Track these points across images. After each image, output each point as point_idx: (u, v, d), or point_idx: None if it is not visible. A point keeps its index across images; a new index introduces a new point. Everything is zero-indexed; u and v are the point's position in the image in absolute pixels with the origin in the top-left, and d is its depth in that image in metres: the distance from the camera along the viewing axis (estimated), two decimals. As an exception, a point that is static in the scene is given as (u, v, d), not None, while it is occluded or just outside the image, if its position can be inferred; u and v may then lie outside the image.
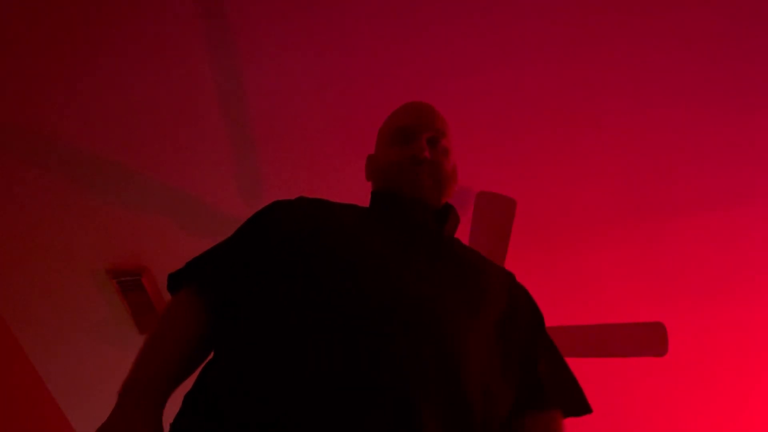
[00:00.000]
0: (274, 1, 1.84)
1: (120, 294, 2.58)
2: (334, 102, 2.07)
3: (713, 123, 2.04)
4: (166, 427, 0.84)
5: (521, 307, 1.05)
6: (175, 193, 2.31)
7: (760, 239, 2.32)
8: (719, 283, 2.45)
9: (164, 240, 2.46)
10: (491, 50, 1.93)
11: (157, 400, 0.86)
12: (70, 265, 2.53)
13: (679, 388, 2.77)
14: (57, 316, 2.70)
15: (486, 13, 1.85)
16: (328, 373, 0.76)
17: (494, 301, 0.99)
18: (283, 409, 0.74)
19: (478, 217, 1.95)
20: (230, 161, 2.22)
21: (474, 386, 0.84)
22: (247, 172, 2.25)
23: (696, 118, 2.04)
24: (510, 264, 1.92)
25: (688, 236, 2.33)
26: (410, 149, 1.14)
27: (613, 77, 1.97)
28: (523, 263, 2.09)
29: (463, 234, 1.78)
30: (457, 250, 1.07)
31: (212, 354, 0.93)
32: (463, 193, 2.17)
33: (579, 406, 1.01)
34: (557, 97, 2.02)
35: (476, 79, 2.00)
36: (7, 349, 2.73)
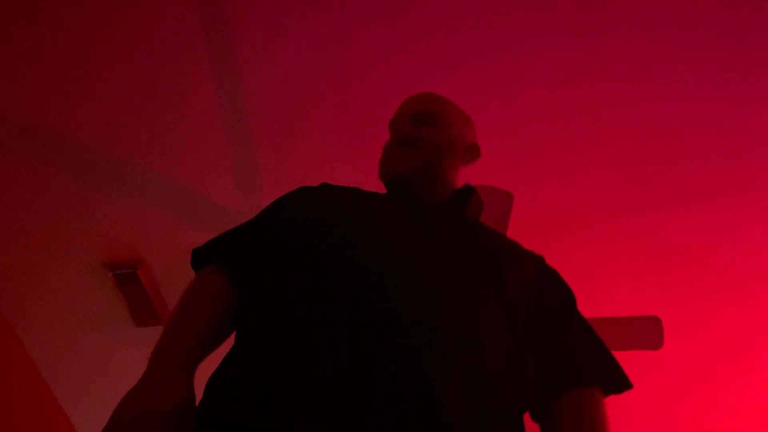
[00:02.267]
0: (271, -6, 1.84)
1: (116, 287, 2.57)
2: (332, 95, 2.07)
3: (710, 117, 2.04)
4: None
5: (551, 288, 1.03)
6: (172, 185, 2.30)
7: (757, 233, 2.32)
8: (716, 277, 2.45)
9: (161, 233, 2.45)
10: (488, 44, 1.93)
11: (187, 365, 0.87)
12: (67, 258, 2.53)
13: (674, 381, 2.78)
14: (53, 308, 2.69)
15: (483, 7, 1.84)
16: (333, 370, 0.75)
17: (518, 282, 0.96)
18: (291, 404, 0.74)
19: (475, 210, 1.94)
20: (227, 153, 2.21)
21: (495, 369, 0.83)
22: (243, 165, 2.25)
23: (693, 112, 2.04)
24: (506, 257, 1.92)
25: (685, 230, 2.33)
26: (394, 134, 1.17)
27: (610, 71, 1.96)
28: (519, 257, 2.09)
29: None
30: (479, 232, 1.05)
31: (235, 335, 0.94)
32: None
33: (619, 382, 0.96)
34: (553, 92, 2.02)
35: (473, 74, 1.99)
36: (4, 341, 2.73)
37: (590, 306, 2.43)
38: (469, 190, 1.13)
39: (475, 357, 0.82)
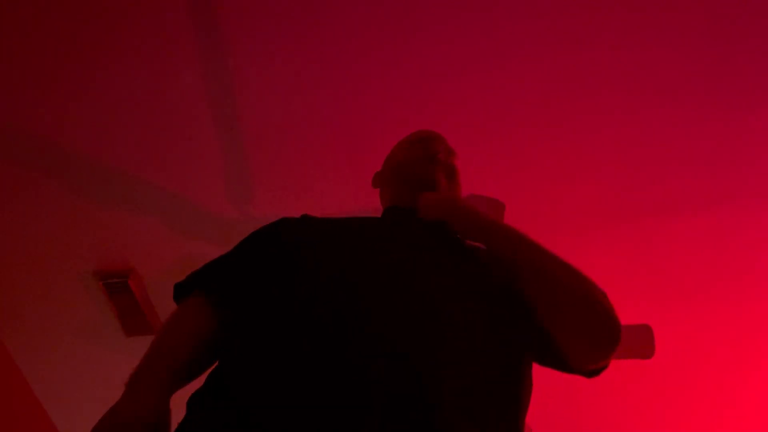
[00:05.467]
0: (265, 4, 1.84)
1: (107, 296, 2.56)
2: (325, 105, 2.07)
3: (703, 123, 2.06)
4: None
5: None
6: (164, 195, 2.30)
7: (749, 240, 2.33)
8: (708, 284, 2.46)
9: (152, 242, 2.44)
10: (481, 51, 1.94)
11: (164, 389, 0.88)
12: (57, 267, 2.51)
13: (666, 390, 2.79)
14: (43, 317, 2.67)
15: (476, 13, 1.86)
16: (325, 395, 0.75)
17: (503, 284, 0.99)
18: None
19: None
20: (220, 163, 2.21)
21: (489, 373, 0.85)
22: (236, 174, 2.24)
23: (684, 119, 2.05)
24: (498, 267, 1.92)
25: (676, 236, 2.34)
26: (429, 151, 1.24)
27: (603, 78, 1.98)
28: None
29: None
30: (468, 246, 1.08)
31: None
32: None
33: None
34: (546, 98, 2.03)
35: (465, 81, 2.00)
36: (-8, 352, 2.70)
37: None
38: None
39: (472, 367, 0.83)
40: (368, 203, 2.14)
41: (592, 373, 1.00)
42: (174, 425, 0.85)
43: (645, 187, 2.23)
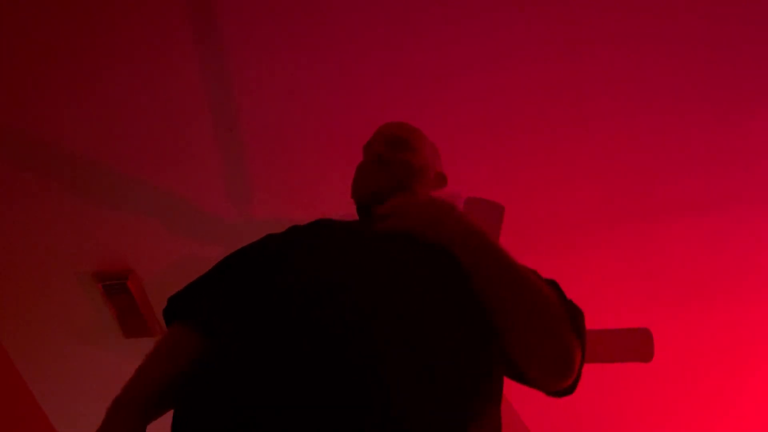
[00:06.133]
0: (265, 5, 1.85)
1: (105, 297, 2.55)
2: (325, 104, 2.07)
3: (700, 126, 2.06)
4: None
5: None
6: (163, 195, 2.29)
7: (749, 243, 2.34)
8: (707, 288, 2.46)
9: (151, 243, 2.44)
10: (481, 54, 1.94)
11: (140, 419, 0.91)
12: (56, 268, 2.51)
13: (665, 393, 2.79)
14: (42, 318, 2.67)
15: (477, 16, 1.86)
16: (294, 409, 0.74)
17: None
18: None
19: (467, 222, 1.94)
20: (219, 163, 2.21)
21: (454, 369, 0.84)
22: (236, 175, 2.24)
23: (680, 123, 2.06)
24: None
25: (676, 240, 2.34)
26: (370, 155, 1.25)
27: (600, 80, 1.98)
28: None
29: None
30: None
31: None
32: (451, 199, 2.18)
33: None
34: (543, 101, 2.03)
35: (463, 84, 2.00)
36: (-10, 353, 2.70)
37: (581, 317, 2.42)
38: None
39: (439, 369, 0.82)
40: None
41: (555, 394, 0.98)
42: None
43: (644, 190, 2.23)
